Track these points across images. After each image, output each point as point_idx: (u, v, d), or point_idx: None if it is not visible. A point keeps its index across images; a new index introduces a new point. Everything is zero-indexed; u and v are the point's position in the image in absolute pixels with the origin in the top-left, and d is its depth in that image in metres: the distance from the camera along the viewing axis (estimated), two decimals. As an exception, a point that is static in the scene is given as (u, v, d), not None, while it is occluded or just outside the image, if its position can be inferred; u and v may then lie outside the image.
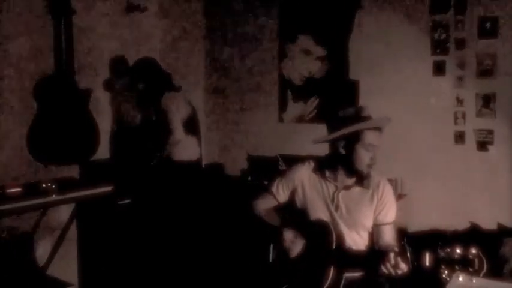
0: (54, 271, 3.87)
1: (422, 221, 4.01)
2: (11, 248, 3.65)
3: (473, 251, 1.77)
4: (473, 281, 1.70)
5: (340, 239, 2.46)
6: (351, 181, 2.55)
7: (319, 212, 2.55)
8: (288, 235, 2.52)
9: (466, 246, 1.78)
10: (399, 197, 3.88)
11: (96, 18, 4.21)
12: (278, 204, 2.69)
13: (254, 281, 2.66)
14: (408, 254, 2.07)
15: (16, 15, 3.68)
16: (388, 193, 2.54)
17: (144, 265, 3.92)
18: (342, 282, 2.38)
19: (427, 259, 1.91)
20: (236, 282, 3.45)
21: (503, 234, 3.74)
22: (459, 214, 3.95)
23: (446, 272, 1.78)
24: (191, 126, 4.26)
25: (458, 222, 3.92)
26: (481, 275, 1.71)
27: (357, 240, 2.52)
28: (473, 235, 3.83)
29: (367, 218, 2.52)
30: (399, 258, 2.10)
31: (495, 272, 1.87)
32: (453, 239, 3.81)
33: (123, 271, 3.85)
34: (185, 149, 4.20)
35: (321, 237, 2.44)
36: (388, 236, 2.48)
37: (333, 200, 2.54)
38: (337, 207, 2.53)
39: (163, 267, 3.96)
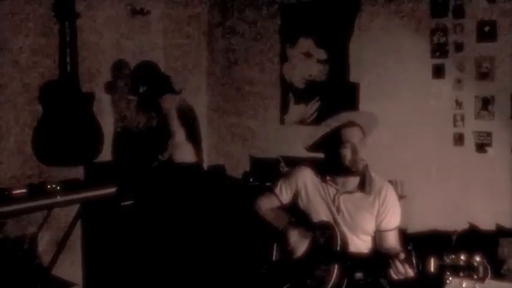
0: (58, 271, 3.90)
1: (421, 222, 4.04)
2: (16, 248, 3.69)
3: (478, 258, 1.79)
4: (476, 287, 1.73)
5: (345, 240, 2.46)
6: (352, 185, 2.55)
7: (321, 214, 2.55)
8: (293, 236, 2.53)
9: (470, 253, 1.81)
10: (399, 198, 3.90)
11: (100, 22, 4.23)
12: (281, 205, 2.70)
13: (257, 280, 2.66)
14: (413, 259, 2.08)
15: (21, 18, 3.70)
16: (390, 199, 2.54)
17: (147, 265, 3.95)
18: (345, 283, 2.39)
19: (432, 265, 1.92)
20: (239, 282, 3.48)
21: (502, 234, 3.76)
22: (458, 215, 3.98)
23: (450, 278, 1.81)
24: (192, 128, 4.29)
25: (457, 223, 3.95)
26: (485, 282, 1.74)
27: (358, 243, 2.51)
28: (472, 236, 3.87)
29: (368, 222, 2.51)
30: (405, 264, 2.11)
31: (493, 272, 1.91)
32: (452, 239, 3.86)
33: (127, 271, 3.88)
34: (186, 151, 4.23)
35: (326, 238, 2.46)
36: (392, 241, 2.49)
37: (334, 203, 2.54)
38: (338, 210, 2.53)
39: (166, 266, 3.99)
